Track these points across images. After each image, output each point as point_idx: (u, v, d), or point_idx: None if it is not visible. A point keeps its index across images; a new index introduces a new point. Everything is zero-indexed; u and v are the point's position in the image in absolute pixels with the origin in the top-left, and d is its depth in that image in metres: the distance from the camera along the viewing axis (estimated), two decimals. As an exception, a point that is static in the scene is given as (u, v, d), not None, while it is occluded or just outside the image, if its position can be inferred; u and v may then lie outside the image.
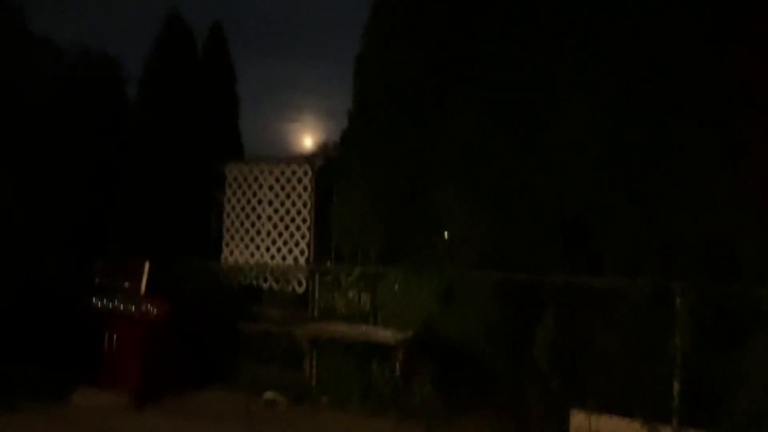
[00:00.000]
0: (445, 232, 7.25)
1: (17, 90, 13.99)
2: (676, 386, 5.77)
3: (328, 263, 8.12)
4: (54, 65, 17.47)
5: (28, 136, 11.12)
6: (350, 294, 7.70)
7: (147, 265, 7.36)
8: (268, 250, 8.34)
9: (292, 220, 8.19)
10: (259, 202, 8.43)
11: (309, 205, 8.09)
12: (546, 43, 6.32)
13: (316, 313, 7.86)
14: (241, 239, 8.53)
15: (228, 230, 8.63)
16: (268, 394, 7.38)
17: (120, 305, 7.37)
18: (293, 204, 8.20)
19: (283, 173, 8.28)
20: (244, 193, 8.54)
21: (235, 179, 8.61)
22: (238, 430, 6.51)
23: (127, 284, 7.42)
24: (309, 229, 8.09)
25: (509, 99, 6.50)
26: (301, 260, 8.10)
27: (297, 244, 8.15)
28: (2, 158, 10.29)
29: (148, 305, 7.25)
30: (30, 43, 17.81)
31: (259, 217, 8.41)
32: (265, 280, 8.30)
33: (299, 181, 8.17)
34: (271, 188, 8.36)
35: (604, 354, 6.05)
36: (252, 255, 8.43)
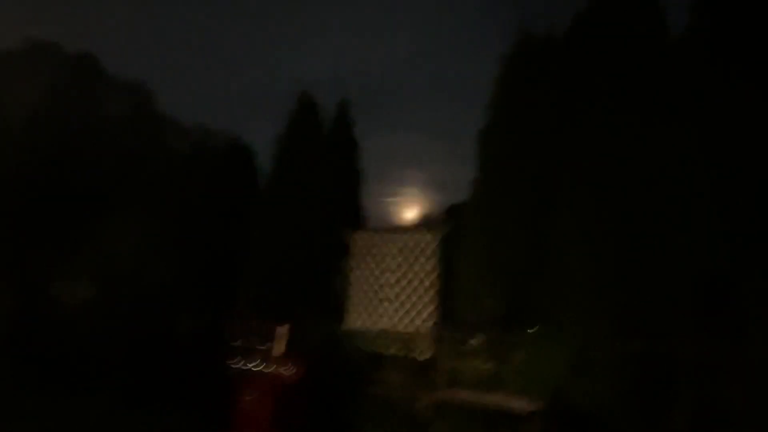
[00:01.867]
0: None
1: (145, 164, 15.23)
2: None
3: (452, 330, 8.20)
4: (179, 142, 18.87)
5: (158, 206, 12.10)
6: (476, 361, 7.72)
7: (286, 329, 7.73)
8: (391, 316, 8.56)
9: (416, 287, 8.41)
10: (383, 270, 8.73)
11: (433, 273, 8.30)
12: (668, 105, 6.43)
13: (441, 380, 7.90)
14: (365, 305, 8.81)
15: (352, 297, 8.94)
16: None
17: (257, 365, 7.73)
18: (416, 271, 8.44)
19: (406, 242, 8.57)
20: (368, 261, 8.88)
21: (360, 248, 8.99)
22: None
23: (264, 345, 7.80)
24: (432, 296, 8.26)
25: (636, 163, 6.57)
26: (425, 327, 8.24)
27: (420, 311, 8.33)
28: (140, 229, 11.18)
29: (284, 367, 7.57)
30: (157, 122, 19.33)
31: (382, 284, 8.69)
32: (388, 346, 8.47)
33: (422, 249, 8.43)
34: (394, 256, 8.66)
35: (744, 426, 5.77)
36: (375, 321, 8.67)
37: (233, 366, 7.91)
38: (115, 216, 11.55)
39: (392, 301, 8.62)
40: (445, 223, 9.48)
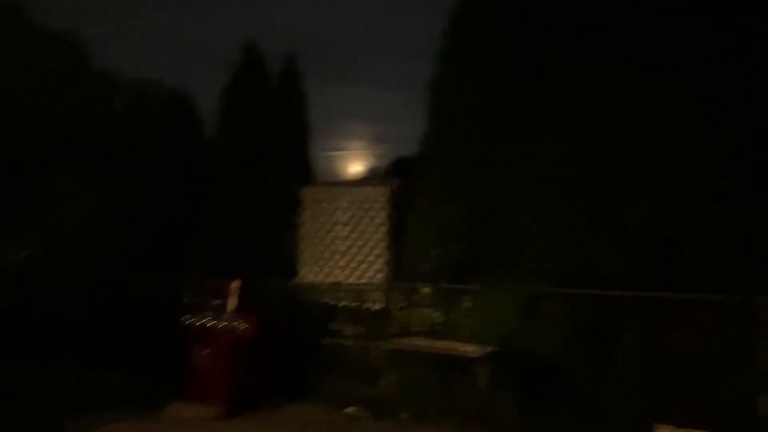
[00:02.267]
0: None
1: (82, 120, 14.71)
2: (761, 399, 5.83)
3: (404, 281, 8.37)
4: (115, 97, 18.23)
5: (100, 162, 11.76)
6: (427, 310, 7.92)
7: (238, 284, 7.72)
8: (344, 269, 8.66)
9: (368, 240, 8.52)
10: (335, 223, 8.79)
11: (385, 226, 8.41)
12: (626, 58, 6.58)
13: (394, 329, 8.09)
14: (318, 259, 8.88)
15: (305, 251, 8.98)
16: (350, 409, 7.62)
17: (211, 322, 7.73)
18: (369, 224, 8.54)
19: (357, 195, 8.63)
20: (320, 215, 8.91)
21: (311, 202, 8.99)
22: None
23: (217, 301, 7.78)
24: (385, 248, 8.39)
25: (588, 116, 6.74)
26: (378, 279, 8.38)
27: (373, 263, 8.46)
28: (81, 182, 10.86)
29: (238, 322, 7.60)
30: (93, 76, 18.56)
31: (335, 237, 8.75)
32: (342, 298, 8.59)
33: (375, 202, 8.51)
34: (345, 210, 8.71)
35: (686, 367, 6.18)
36: (328, 274, 8.77)
37: (186, 323, 7.88)
38: (54, 174, 11.18)
39: (344, 254, 8.72)
40: (393, 176, 9.57)
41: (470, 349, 6.93)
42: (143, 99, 15.50)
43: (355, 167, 17.70)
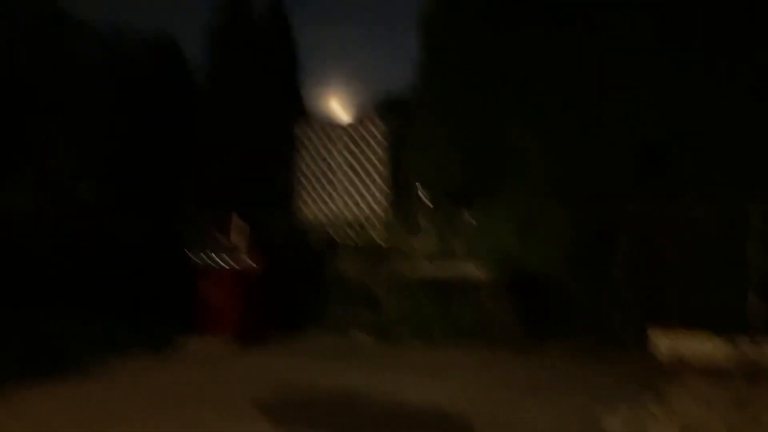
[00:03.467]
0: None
1: (64, 69, 14.33)
2: (750, 300, 6.16)
3: (403, 212, 8.55)
4: (93, 46, 17.67)
5: (89, 112, 11.56)
6: (427, 237, 8.14)
7: (242, 221, 7.86)
8: (344, 202, 8.82)
9: (367, 172, 8.65)
10: (333, 159, 8.89)
11: (383, 158, 8.54)
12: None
13: (395, 258, 8.32)
14: (318, 195, 9.02)
15: (304, 186, 9.10)
16: (355, 333, 7.92)
17: (219, 258, 7.90)
18: (367, 158, 8.66)
19: (355, 130, 8.72)
20: (318, 151, 9.01)
21: (309, 138, 9.07)
22: (335, 364, 6.89)
23: (223, 239, 7.94)
24: (384, 179, 8.53)
25: (579, 33, 6.84)
26: (378, 210, 8.55)
27: (373, 195, 8.61)
28: (76, 136, 10.69)
29: (245, 257, 7.79)
30: (67, 26, 17.94)
31: (334, 173, 8.87)
32: (343, 233, 8.78)
33: (372, 135, 8.61)
34: (343, 146, 8.81)
35: (680, 273, 6.46)
36: (329, 208, 8.92)
37: (195, 261, 8.03)
38: (42, 125, 10.99)
39: (344, 190, 8.85)
40: (385, 111, 9.64)
41: (470, 271, 7.18)
42: (126, 43, 15.13)
43: (346, 103, 17.58)
